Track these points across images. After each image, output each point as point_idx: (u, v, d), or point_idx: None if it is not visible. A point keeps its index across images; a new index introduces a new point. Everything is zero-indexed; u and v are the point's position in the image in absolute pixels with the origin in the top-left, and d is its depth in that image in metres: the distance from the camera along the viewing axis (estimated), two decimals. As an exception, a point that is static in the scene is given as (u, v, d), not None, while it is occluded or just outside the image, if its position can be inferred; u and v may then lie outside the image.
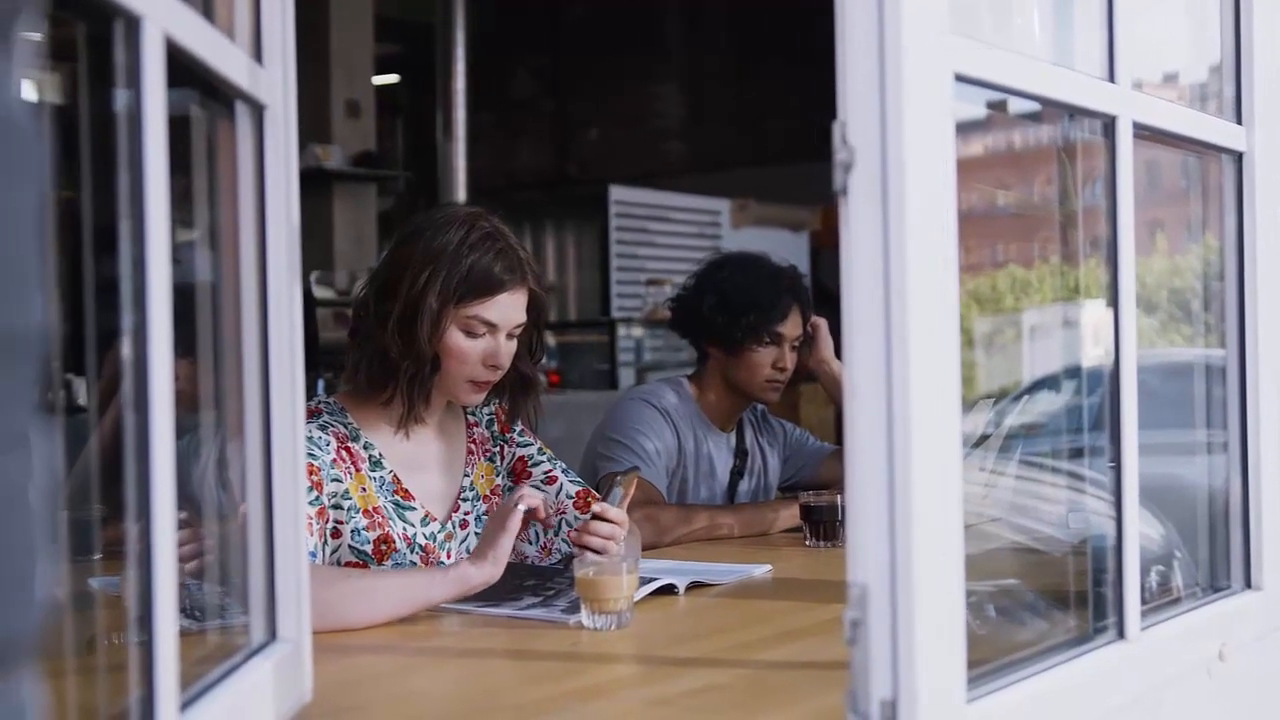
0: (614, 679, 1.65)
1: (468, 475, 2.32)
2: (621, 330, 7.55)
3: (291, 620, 1.36)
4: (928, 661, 1.15)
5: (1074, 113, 1.55)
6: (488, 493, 2.34)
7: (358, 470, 2.17)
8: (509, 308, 2.18)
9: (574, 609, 1.89)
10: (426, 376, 2.17)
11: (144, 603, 0.99)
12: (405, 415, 2.20)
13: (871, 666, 1.16)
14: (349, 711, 1.49)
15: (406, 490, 2.22)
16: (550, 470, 2.36)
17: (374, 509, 2.16)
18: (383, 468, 2.20)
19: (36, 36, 0.57)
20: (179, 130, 1.06)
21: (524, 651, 1.73)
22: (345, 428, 2.19)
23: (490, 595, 1.97)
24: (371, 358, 2.17)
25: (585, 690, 1.58)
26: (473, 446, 2.34)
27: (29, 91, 0.55)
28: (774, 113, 9.45)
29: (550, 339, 7.61)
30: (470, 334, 2.16)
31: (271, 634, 1.35)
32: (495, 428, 2.38)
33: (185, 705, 1.07)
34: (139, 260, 0.97)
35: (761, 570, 2.33)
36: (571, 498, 2.32)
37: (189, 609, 1.27)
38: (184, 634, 1.05)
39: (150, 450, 0.98)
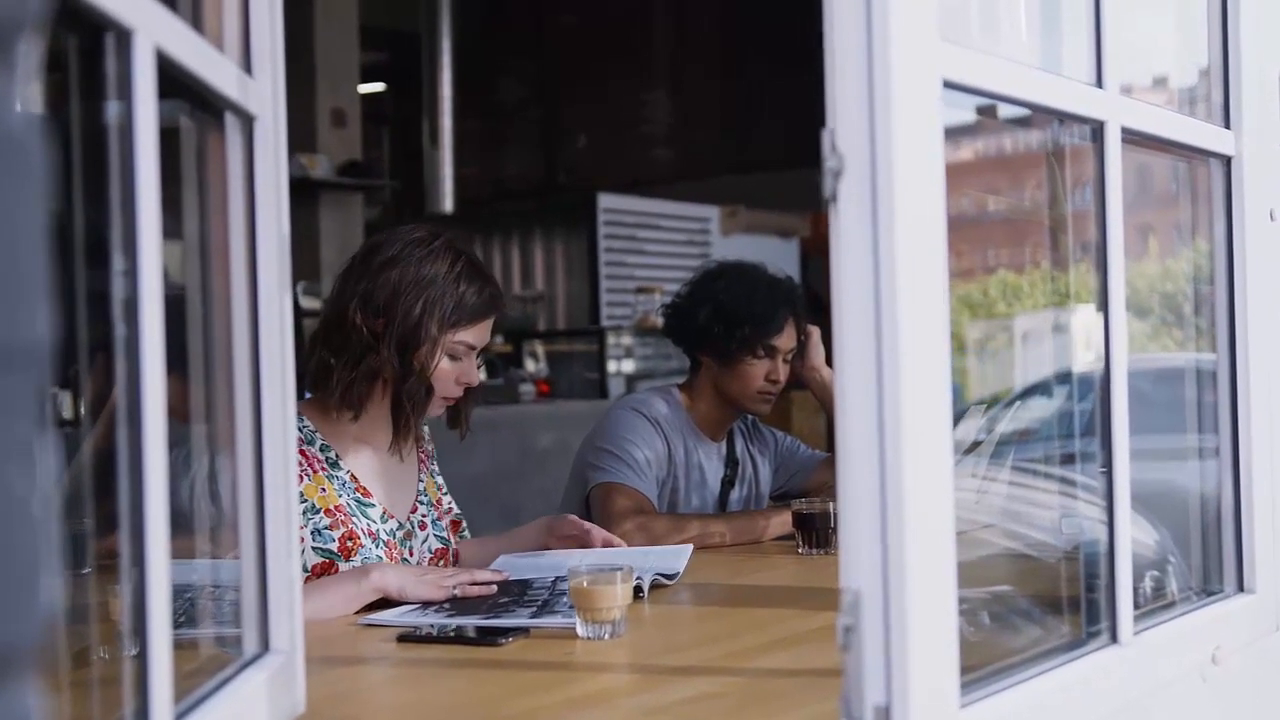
0: (609, 688, 1.65)
1: (421, 481, 2.42)
2: (611, 339, 7.51)
3: (284, 632, 1.36)
4: (921, 667, 1.15)
5: (1062, 118, 1.55)
6: (435, 501, 2.44)
7: (315, 472, 2.23)
8: (488, 332, 2.32)
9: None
10: (423, 398, 2.25)
11: (138, 616, 0.98)
12: (401, 435, 2.30)
13: (865, 672, 1.16)
14: (342, 723, 1.49)
15: (365, 488, 2.29)
16: (422, 513, 2.43)
17: (335, 508, 2.22)
18: (341, 468, 2.27)
19: (38, 50, 0.57)
20: (167, 141, 1.06)
21: (518, 661, 1.73)
22: (300, 431, 2.23)
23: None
24: (364, 377, 2.23)
25: (581, 699, 1.57)
26: (423, 457, 2.46)
27: (31, 105, 0.55)
28: (763, 119, 9.46)
29: (539, 348, 7.60)
30: (453, 357, 2.27)
31: (264, 645, 1.34)
32: (431, 447, 2.50)
33: (179, 718, 1.07)
34: (131, 271, 0.97)
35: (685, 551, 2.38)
36: (431, 552, 2.38)
37: (178, 619, 1.26)
38: (176, 645, 1.04)
39: (143, 463, 0.98)
